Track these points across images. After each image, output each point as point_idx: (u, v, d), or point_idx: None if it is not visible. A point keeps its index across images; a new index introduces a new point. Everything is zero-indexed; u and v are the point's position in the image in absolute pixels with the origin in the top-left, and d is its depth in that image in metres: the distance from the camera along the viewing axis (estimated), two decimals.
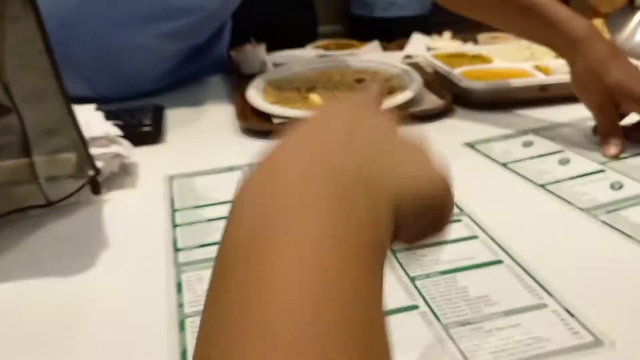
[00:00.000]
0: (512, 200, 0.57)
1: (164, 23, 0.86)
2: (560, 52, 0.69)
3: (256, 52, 1.01)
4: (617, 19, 0.95)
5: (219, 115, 0.84)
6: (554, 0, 0.68)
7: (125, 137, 0.70)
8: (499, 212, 0.54)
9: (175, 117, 0.85)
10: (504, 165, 0.63)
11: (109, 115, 0.81)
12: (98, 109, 0.81)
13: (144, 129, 0.77)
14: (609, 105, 0.65)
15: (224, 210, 0.59)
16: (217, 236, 0.54)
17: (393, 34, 2.24)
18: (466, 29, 0.94)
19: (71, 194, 0.57)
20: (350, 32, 2.50)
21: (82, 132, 0.59)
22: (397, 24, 2.24)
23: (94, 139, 0.63)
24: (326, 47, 1.08)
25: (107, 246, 0.52)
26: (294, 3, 2.02)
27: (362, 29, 2.37)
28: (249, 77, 0.99)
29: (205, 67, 1.06)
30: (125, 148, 0.66)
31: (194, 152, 0.74)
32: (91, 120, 0.67)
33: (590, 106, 0.67)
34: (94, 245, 0.52)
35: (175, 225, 0.54)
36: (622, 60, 0.65)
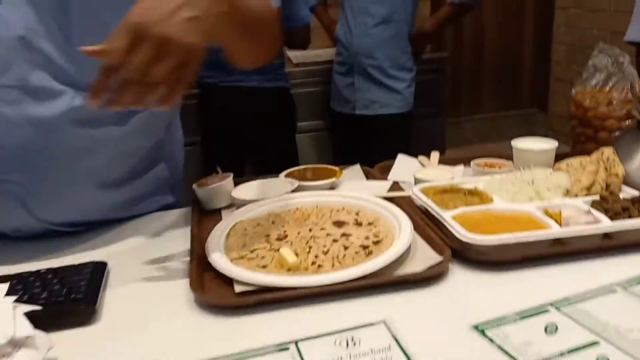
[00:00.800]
0: None
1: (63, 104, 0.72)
2: None
3: (222, 186, 0.89)
4: (627, 145, 0.85)
5: (171, 277, 0.70)
6: None
7: (48, 316, 0.58)
8: None
9: (119, 278, 0.70)
10: None
11: (34, 283, 0.67)
12: (20, 278, 0.67)
13: (73, 307, 0.62)
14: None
15: None
16: None
17: (374, 130, 2.20)
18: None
19: None
20: (331, 127, 2.43)
21: None
22: (378, 121, 2.17)
23: None
24: (302, 175, 0.96)
25: None
26: (277, 101, 1.95)
27: (342, 124, 2.31)
28: (213, 212, 0.88)
29: (158, 191, 0.92)
30: (36, 350, 0.51)
31: (132, 338, 0.59)
32: None
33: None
34: None
35: None
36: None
